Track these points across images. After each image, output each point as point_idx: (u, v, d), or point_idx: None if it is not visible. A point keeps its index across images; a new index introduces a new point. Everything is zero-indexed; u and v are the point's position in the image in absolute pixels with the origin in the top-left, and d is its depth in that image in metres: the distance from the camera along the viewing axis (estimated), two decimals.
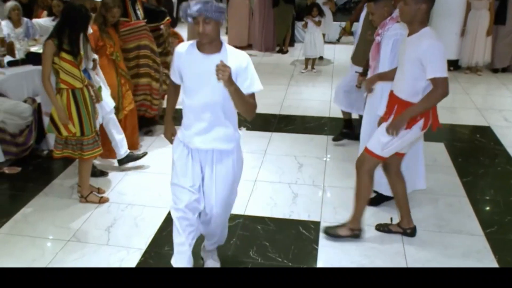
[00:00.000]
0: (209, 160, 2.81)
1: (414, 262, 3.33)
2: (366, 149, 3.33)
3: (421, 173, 3.92)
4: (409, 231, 3.60)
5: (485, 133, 5.61)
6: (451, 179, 4.46)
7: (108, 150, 4.63)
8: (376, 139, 3.28)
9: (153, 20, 5.27)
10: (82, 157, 3.90)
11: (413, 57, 3.00)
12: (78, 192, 4.10)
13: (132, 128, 4.92)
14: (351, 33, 5.99)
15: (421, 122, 3.15)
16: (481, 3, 7.62)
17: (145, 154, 4.69)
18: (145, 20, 5.09)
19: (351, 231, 3.53)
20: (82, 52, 3.81)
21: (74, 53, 3.69)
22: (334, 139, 5.29)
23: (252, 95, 2.68)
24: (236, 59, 2.62)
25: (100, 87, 4.26)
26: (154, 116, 5.44)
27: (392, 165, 3.47)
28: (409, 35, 3.11)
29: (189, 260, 2.88)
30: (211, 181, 2.84)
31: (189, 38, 7.75)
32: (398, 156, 3.42)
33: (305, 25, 8.17)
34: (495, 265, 3.30)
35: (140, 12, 5.14)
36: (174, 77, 2.85)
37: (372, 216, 3.85)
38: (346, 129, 5.28)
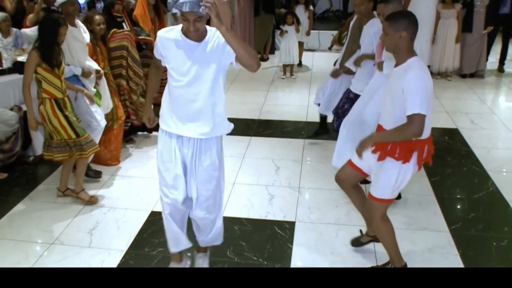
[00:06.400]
0: (193, 148, 2.92)
1: (384, 258, 3.43)
2: (373, 198, 3.10)
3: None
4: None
5: (453, 135, 5.85)
6: (420, 179, 4.64)
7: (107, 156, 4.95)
8: (384, 184, 3.03)
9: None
10: (82, 156, 4.08)
11: (398, 88, 2.82)
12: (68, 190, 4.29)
13: (118, 143, 5.02)
14: (342, 44, 6.18)
15: (415, 157, 2.96)
16: (449, 12, 7.95)
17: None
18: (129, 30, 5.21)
19: None
20: (63, 63, 3.93)
21: (51, 64, 3.82)
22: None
23: None
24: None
25: (98, 94, 4.46)
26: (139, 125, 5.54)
27: (350, 180, 3.37)
28: (396, 65, 2.95)
29: (186, 242, 3.23)
30: (193, 168, 2.95)
31: None
32: (361, 175, 3.31)
33: (282, 34, 8.37)
34: (458, 259, 3.50)
35: (126, 25, 5.22)
36: (158, 55, 2.88)
37: (346, 215, 4.05)
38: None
